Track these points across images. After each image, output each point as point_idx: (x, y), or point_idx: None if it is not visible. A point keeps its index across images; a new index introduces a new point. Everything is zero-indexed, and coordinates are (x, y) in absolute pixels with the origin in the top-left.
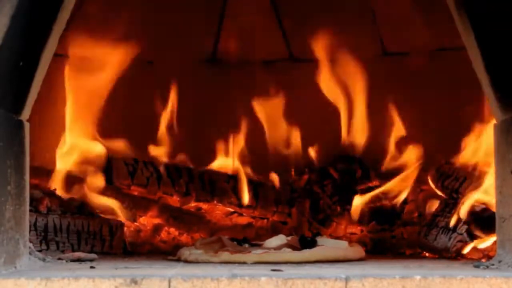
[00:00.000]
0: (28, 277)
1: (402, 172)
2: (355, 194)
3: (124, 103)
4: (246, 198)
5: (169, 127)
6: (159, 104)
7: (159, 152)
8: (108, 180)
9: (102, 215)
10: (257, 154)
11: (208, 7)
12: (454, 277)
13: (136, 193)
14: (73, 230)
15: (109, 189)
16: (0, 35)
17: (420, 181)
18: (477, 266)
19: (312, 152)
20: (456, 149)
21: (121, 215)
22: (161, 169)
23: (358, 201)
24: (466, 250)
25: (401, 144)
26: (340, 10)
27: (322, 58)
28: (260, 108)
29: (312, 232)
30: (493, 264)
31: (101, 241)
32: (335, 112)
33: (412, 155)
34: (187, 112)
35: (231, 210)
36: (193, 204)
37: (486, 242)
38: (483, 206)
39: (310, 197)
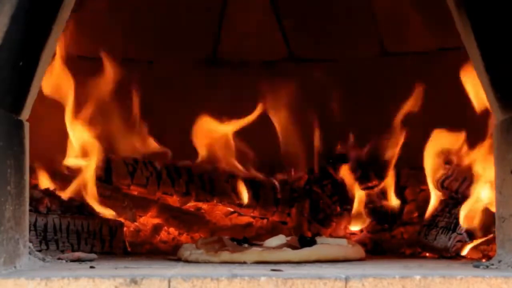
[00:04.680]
0: (28, 277)
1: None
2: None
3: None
4: (245, 197)
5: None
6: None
7: (160, 152)
8: (108, 180)
9: (101, 215)
10: (257, 154)
11: (208, 7)
12: (454, 277)
13: (135, 193)
14: (73, 230)
15: (109, 189)
16: (0, 35)
17: (420, 181)
18: (477, 266)
19: (311, 152)
20: (456, 149)
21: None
22: (160, 168)
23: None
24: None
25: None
26: (340, 10)
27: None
28: (260, 108)
29: (312, 232)
30: (493, 264)
31: (101, 241)
32: (335, 112)
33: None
34: (187, 112)
35: (231, 210)
36: (192, 204)
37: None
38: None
39: (310, 197)
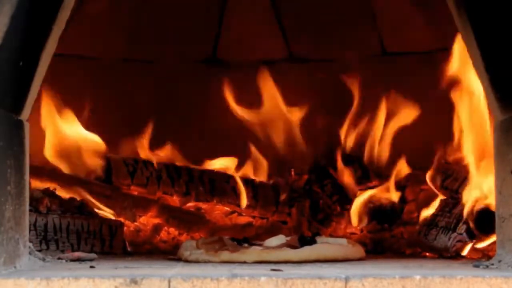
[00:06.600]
0: (28, 277)
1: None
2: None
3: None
4: (244, 200)
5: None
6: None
7: (160, 152)
8: (108, 180)
9: (101, 215)
10: (257, 154)
11: (208, 7)
12: (454, 277)
13: (135, 193)
14: (73, 230)
15: (109, 189)
16: (0, 35)
17: (420, 181)
18: (477, 266)
19: (312, 152)
20: (456, 149)
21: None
22: (161, 168)
23: (356, 204)
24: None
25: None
26: (340, 10)
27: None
28: (260, 108)
29: (312, 232)
30: (492, 264)
31: (101, 241)
32: (336, 112)
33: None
34: (187, 112)
35: (231, 210)
36: (192, 204)
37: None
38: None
39: (310, 197)
